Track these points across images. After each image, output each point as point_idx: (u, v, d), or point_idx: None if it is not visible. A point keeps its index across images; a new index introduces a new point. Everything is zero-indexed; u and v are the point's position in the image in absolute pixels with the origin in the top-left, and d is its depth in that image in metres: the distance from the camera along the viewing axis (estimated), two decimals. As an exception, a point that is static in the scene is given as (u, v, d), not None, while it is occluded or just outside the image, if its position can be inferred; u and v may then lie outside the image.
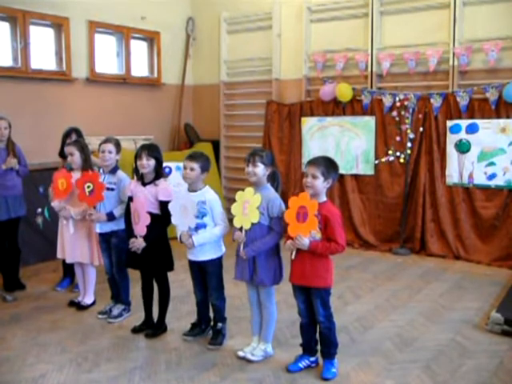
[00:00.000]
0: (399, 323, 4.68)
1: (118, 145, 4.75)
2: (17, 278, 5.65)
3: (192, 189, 4.10)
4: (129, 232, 4.38)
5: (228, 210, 4.13)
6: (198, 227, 4.04)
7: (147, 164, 4.27)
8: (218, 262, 4.19)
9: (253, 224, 3.78)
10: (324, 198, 3.68)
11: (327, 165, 3.65)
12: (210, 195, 4.08)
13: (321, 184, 3.61)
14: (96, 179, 4.61)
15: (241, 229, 3.84)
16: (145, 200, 4.23)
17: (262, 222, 3.78)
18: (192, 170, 4.02)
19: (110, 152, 4.67)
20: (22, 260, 5.84)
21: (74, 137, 5.41)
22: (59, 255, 5.14)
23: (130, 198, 4.36)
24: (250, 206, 3.76)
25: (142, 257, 4.33)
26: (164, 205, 4.23)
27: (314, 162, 3.69)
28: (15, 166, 5.38)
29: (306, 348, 3.90)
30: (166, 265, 4.41)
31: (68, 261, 5.09)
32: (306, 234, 3.57)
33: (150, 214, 4.20)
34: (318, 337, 3.84)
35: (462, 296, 5.36)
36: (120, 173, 4.74)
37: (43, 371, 3.83)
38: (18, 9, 6.84)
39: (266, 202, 3.78)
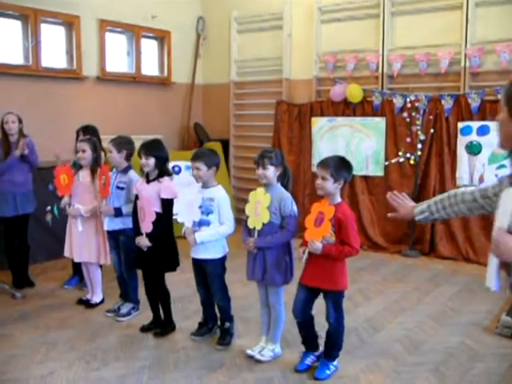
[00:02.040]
0: (408, 325, 4.66)
1: (119, 143, 4.67)
2: (26, 275, 5.67)
3: (204, 186, 4.10)
4: (136, 230, 4.38)
5: (237, 210, 4.12)
6: (201, 223, 4.03)
7: (146, 162, 4.25)
8: (218, 263, 4.15)
9: (264, 224, 3.77)
10: (338, 200, 3.64)
11: (337, 165, 3.60)
12: (219, 193, 4.06)
13: (331, 185, 3.57)
14: (107, 173, 4.62)
15: (253, 229, 3.83)
16: (149, 197, 4.23)
17: (274, 221, 3.77)
18: (198, 169, 4.01)
19: (110, 152, 4.67)
20: (31, 257, 5.86)
21: (81, 136, 5.41)
22: (66, 254, 5.14)
23: (137, 197, 4.37)
24: (261, 206, 3.76)
25: (147, 256, 4.33)
26: (165, 202, 4.23)
27: (323, 163, 3.65)
28: (23, 149, 5.37)
29: (308, 345, 3.89)
30: (170, 264, 4.39)
31: (76, 260, 5.10)
32: (318, 239, 3.55)
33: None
34: (325, 335, 3.82)
35: (472, 299, 5.33)
36: (131, 173, 4.73)
37: (51, 369, 3.83)
38: (29, 7, 6.87)
39: (278, 202, 3.77)
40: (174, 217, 4.25)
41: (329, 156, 3.81)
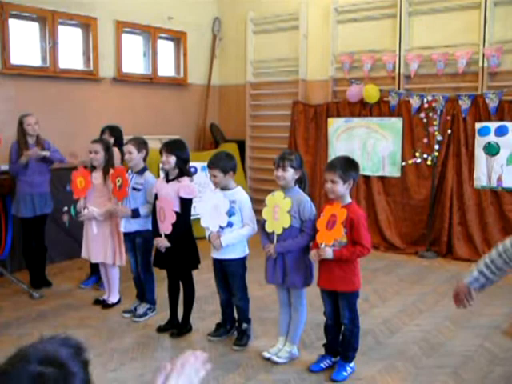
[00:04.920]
0: (426, 327, 4.62)
1: (139, 144, 4.73)
2: (43, 275, 5.71)
3: (224, 188, 4.11)
4: (155, 230, 4.40)
5: (254, 211, 4.13)
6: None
7: (167, 161, 4.28)
8: (240, 263, 4.17)
9: (284, 228, 3.76)
10: (348, 200, 3.65)
11: (344, 167, 3.59)
12: (240, 195, 4.08)
13: (341, 187, 3.57)
14: (123, 174, 4.64)
15: (272, 233, 3.82)
16: (170, 197, 4.24)
17: (294, 224, 3.77)
18: (215, 176, 4.04)
19: (130, 153, 4.68)
20: (48, 257, 5.91)
21: (107, 135, 5.51)
22: (84, 255, 5.17)
23: (156, 197, 4.39)
24: (281, 211, 3.75)
25: (167, 256, 4.34)
26: (184, 202, 4.24)
27: (330, 166, 3.64)
28: (38, 154, 5.42)
29: (329, 348, 3.89)
30: (191, 263, 4.40)
31: (92, 261, 5.13)
32: (330, 242, 3.54)
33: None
34: (340, 337, 3.82)
35: (490, 301, 5.26)
36: (147, 174, 4.75)
37: (69, 369, 3.84)
38: (47, 9, 6.90)
39: (298, 205, 3.76)
40: (193, 217, 4.27)
41: (334, 158, 3.80)
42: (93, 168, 5.00)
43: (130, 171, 4.80)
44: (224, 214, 3.98)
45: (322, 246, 3.57)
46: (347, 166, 3.62)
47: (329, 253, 3.55)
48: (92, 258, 5.10)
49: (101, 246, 5.00)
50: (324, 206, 3.72)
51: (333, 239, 3.53)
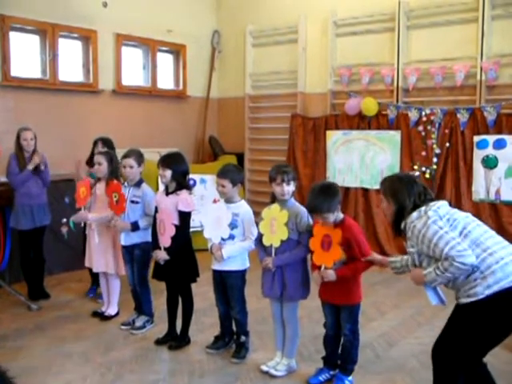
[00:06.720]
0: (424, 341, 4.59)
1: (139, 157, 4.75)
2: (41, 287, 5.69)
3: (228, 201, 4.13)
4: (154, 243, 4.40)
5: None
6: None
7: (163, 174, 4.29)
8: (240, 275, 4.17)
9: (282, 241, 3.76)
10: (340, 216, 3.64)
11: (329, 203, 3.51)
12: (243, 209, 4.11)
13: (333, 217, 3.56)
14: (119, 190, 4.64)
15: (270, 247, 3.82)
16: (169, 210, 4.25)
17: (291, 237, 3.77)
18: (223, 186, 4.05)
19: (130, 167, 4.69)
20: (47, 269, 5.89)
21: (100, 146, 5.48)
22: (87, 264, 5.17)
23: (157, 209, 4.39)
24: (278, 223, 3.75)
25: (166, 268, 4.34)
26: (183, 215, 4.25)
27: (314, 210, 3.58)
28: (41, 162, 5.42)
29: (328, 361, 3.87)
30: (189, 276, 4.40)
31: (94, 270, 5.12)
32: (330, 264, 3.54)
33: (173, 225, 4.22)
34: (340, 350, 3.81)
35: (489, 314, 5.25)
36: (144, 186, 4.76)
37: (67, 380, 3.84)
38: (47, 22, 6.95)
39: (295, 217, 3.76)
40: (192, 230, 4.26)
41: (313, 198, 3.59)
42: (98, 179, 5.02)
43: (126, 184, 4.81)
44: (226, 226, 3.99)
45: (323, 268, 3.56)
46: (331, 199, 3.54)
47: (332, 275, 3.55)
48: (94, 268, 5.09)
49: (102, 255, 4.99)
50: (315, 223, 3.71)
51: (332, 261, 3.53)
